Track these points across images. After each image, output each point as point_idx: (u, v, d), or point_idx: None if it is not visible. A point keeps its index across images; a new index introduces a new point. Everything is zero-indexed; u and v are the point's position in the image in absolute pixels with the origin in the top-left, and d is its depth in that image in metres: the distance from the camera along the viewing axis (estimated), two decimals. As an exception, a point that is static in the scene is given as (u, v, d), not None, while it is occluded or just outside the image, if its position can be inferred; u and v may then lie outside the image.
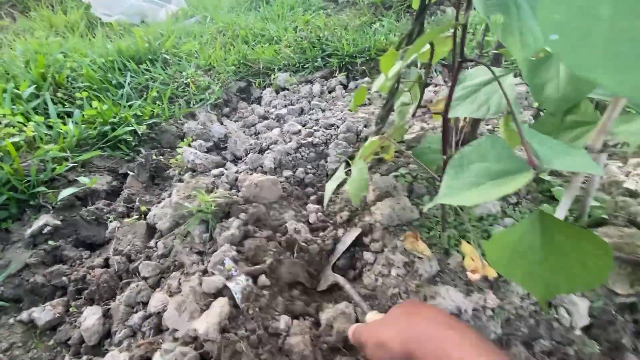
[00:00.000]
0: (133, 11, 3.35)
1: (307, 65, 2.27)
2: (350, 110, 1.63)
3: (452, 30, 0.69)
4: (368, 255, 0.96)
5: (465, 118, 1.24)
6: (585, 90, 0.68)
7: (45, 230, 1.15)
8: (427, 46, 0.84)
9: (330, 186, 0.83)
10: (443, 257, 0.88)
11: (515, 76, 0.81)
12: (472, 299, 0.78)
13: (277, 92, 2.02)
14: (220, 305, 0.76)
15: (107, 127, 1.59)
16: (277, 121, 1.70)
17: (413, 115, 1.15)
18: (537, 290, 0.55)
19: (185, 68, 2.15)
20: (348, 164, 0.91)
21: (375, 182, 1.08)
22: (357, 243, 1.03)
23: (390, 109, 0.98)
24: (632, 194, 1.11)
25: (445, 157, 0.76)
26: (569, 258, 0.52)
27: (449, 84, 0.73)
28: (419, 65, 1.25)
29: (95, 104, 1.62)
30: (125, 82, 1.94)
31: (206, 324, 0.71)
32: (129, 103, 1.79)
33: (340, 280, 0.91)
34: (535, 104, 1.57)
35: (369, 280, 0.92)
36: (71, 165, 1.38)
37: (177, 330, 0.77)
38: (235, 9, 3.49)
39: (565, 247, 0.52)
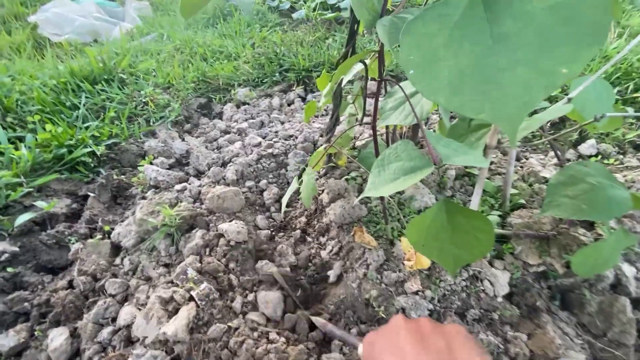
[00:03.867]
0: (84, 30, 3.28)
1: (265, 80, 2.37)
2: (304, 122, 1.74)
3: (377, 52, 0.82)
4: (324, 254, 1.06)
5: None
6: (485, 99, 0.83)
7: (2, 258, 1.13)
8: (361, 65, 0.97)
9: (284, 199, 0.92)
10: (389, 247, 1.00)
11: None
12: (407, 285, 0.90)
13: (238, 107, 2.09)
14: (188, 309, 0.82)
15: (64, 150, 1.58)
16: (238, 135, 1.77)
17: (360, 124, 1.28)
18: (448, 263, 0.68)
19: (143, 87, 2.16)
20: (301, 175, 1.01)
21: (329, 186, 1.19)
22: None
23: (336, 120, 1.10)
24: (547, 181, 1.31)
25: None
26: (467, 235, 0.65)
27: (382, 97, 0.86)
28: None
29: (49, 127, 1.60)
30: (80, 103, 1.92)
31: (175, 327, 0.77)
32: (85, 124, 1.78)
33: (320, 322, 0.87)
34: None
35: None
36: (27, 190, 1.37)
37: (146, 337, 0.81)
38: (192, 26, 3.53)
39: (464, 226, 0.65)
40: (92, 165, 1.63)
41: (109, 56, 2.40)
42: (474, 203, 0.85)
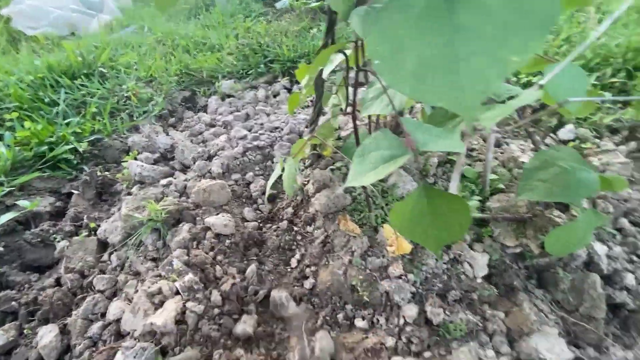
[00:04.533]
0: (61, 23, 3.17)
1: (250, 72, 2.35)
2: (280, 107, 1.75)
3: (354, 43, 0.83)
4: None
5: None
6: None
7: (-14, 259, 1.12)
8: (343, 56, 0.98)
9: (269, 183, 0.93)
10: (373, 234, 1.03)
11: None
12: (390, 269, 0.93)
13: (223, 100, 2.07)
14: (175, 301, 0.84)
15: (44, 148, 1.55)
16: (224, 128, 1.76)
17: (344, 114, 1.29)
18: (431, 244, 0.71)
19: (124, 81, 2.12)
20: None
21: (314, 176, 1.20)
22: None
23: (320, 111, 1.11)
24: (525, 166, 1.35)
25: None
26: (446, 217, 0.68)
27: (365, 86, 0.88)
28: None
29: (27, 124, 1.57)
30: (59, 99, 1.87)
31: (163, 318, 0.78)
32: (66, 121, 1.75)
33: None
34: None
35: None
36: (8, 189, 1.34)
37: (135, 330, 0.83)
38: (174, 17, 3.44)
39: (443, 209, 0.68)
40: (75, 162, 1.61)
41: (87, 50, 2.34)
42: (453, 187, 0.87)
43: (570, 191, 0.81)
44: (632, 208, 1.24)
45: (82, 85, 2.04)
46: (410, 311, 0.87)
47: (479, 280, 0.95)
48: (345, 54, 0.97)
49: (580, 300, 0.93)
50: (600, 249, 1.04)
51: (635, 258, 1.15)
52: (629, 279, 1.03)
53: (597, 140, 1.72)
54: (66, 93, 1.94)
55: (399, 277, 0.92)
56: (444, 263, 0.96)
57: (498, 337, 0.85)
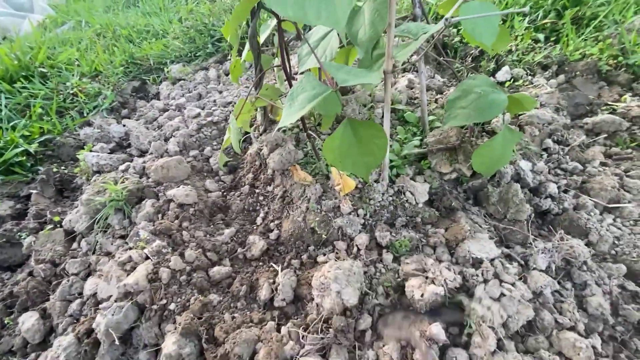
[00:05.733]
0: (-11, 28, 2.95)
1: (199, 54, 2.32)
2: (232, 83, 1.78)
3: None
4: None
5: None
6: (380, 30, 0.93)
7: (-49, 264, 1.12)
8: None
9: (220, 149, 0.98)
10: (325, 180, 1.12)
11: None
12: (342, 208, 1.03)
13: (174, 84, 2.06)
14: (145, 265, 0.90)
15: (-7, 153, 1.52)
16: (178, 110, 1.77)
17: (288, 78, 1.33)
18: (361, 171, 0.81)
19: (67, 78, 2.05)
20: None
21: (267, 139, 1.26)
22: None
23: (261, 73, 1.16)
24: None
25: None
26: (370, 143, 0.77)
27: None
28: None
29: (-30, 132, 1.52)
30: (0, 105, 1.80)
31: (135, 277, 0.84)
32: (11, 124, 1.70)
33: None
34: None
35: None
36: (-39, 197, 1.32)
37: (111, 295, 0.88)
38: (112, 7, 3.28)
39: (366, 137, 0.77)
40: (29, 164, 1.59)
41: (22, 51, 2.23)
42: (386, 125, 0.96)
43: (483, 112, 0.92)
44: (555, 129, 1.39)
45: (23, 87, 1.96)
46: (361, 239, 0.97)
47: (421, 205, 1.07)
48: (275, 14, 1.02)
49: (507, 207, 1.07)
50: (525, 165, 1.18)
51: (559, 171, 1.31)
52: (552, 188, 1.18)
53: (530, 77, 1.87)
54: (7, 98, 1.87)
55: (349, 213, 1.02)
56: (390, 196, 1.07)
57: (440, 249, 0.97)
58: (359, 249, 0.97)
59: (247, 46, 1.14)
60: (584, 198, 1.16)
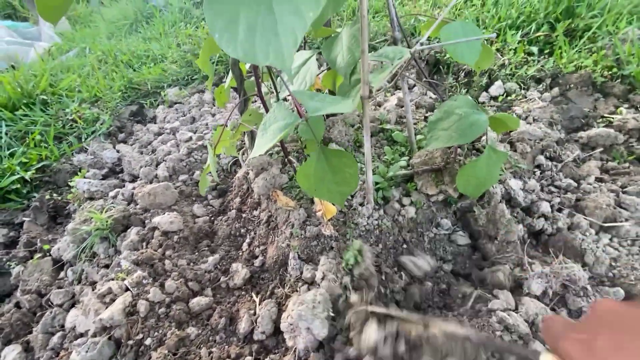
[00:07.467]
0: (-2, 57, 3.08)
1: (195, 77, 2.37)
2: (218, 107, 1.80)
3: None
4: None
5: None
6: (357, 56, 0.93)
7: (-61, 295, 1.13)
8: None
9: (202, 174, 0.98)
10: (309, 205, 1.10)
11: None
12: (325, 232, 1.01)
13: (170, 107, 2.09)
14: (124, 297, 0.88)
15: (-11, 181, 1.55)
16: (172, 134, 1.79)
17: (280, 99, 1.33)
18: (336, 199, 0.79)
19: (67, 104, 2.11)
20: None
21: (252, 163, 1.26)
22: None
23: (245, 97, 1.17)
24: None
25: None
26: (342, 172, 0.75)
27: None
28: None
29: (-32, 161, 1.55)
30: (1, 132, 1.86)
31: (110, 311, 0.83)
32: (9, 152, 1.74)
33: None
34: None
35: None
36: (-45, 227, 1.34)
37: (88, 330, 0.87)
38: (115, 34, 3.40)
39: (339, 166, 0.75)
40: (25, 191, 1.61)
41: (25, 79, 2.30)
42: (366, 149, 0.95)
43: (465, 133, 0.90)
44: (547, 145, 1.36)
45: (24, 115, 2.02)
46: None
47: (411, 224, 1.04)
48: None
49: (497, 229, 1.03)
50: (515, 184, 1.14)
51: (553, 189, 1.27)
52: (545, 207, 1.14)
53: (523, 92, 1.85)
54: (7, 125, 1.92)
55: (330, 237, 1.00)
56: (375, 220, 1.05)
57: (426, 275, 0.94)
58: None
59: (231, 73, 1.16)
60: (579, 217, 1.12)
